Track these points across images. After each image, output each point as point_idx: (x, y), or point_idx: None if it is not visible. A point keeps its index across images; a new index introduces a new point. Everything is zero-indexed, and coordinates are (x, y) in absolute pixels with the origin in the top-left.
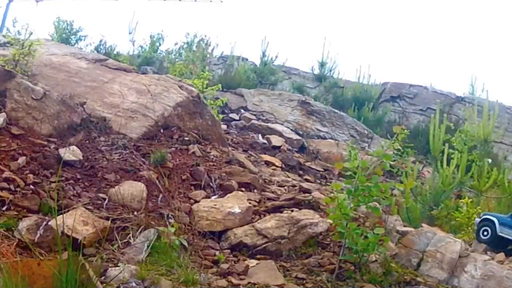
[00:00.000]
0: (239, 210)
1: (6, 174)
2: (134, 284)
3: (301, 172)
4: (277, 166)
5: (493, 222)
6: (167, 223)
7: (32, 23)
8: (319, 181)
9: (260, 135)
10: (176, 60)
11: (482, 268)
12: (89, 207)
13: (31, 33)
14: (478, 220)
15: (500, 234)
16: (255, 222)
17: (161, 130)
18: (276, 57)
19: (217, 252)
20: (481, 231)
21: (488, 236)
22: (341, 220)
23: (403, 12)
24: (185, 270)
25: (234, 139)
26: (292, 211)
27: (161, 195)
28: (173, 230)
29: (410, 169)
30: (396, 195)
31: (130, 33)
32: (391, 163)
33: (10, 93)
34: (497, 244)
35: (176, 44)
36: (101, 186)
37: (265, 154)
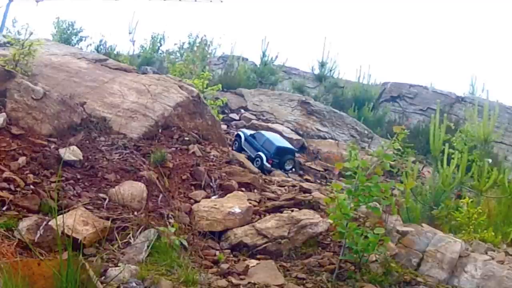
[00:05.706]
0: (239, 210)
1: (6, 174)
2: (134, 284)
3: (301, 172)
4: None
5: (240, 137)
6: (167, 223)
7: (32, 23)
8: (319, 181)
9: None
10: (177, 60)
11: (482, 268)
12: (89, 207)
13: (31, 33)
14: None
15: (243, 147)
16: (255, 222)
17: (161, 130)
18: (276, 57)
19: (217, 252)
20: (233, 144)
21: (236, 147)
22: (341, 220)
23: (403, 12)
24: (185, 270)
25: None
26: (292, 211)
27: (161, 195)
28: (173, 230)
29: (410, 169)
30: (396, 195)
31: (130, 33)
32: (391, 163)
33: (10, 93)
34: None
35: (175, 44)
36: (101, 186)
37: None
